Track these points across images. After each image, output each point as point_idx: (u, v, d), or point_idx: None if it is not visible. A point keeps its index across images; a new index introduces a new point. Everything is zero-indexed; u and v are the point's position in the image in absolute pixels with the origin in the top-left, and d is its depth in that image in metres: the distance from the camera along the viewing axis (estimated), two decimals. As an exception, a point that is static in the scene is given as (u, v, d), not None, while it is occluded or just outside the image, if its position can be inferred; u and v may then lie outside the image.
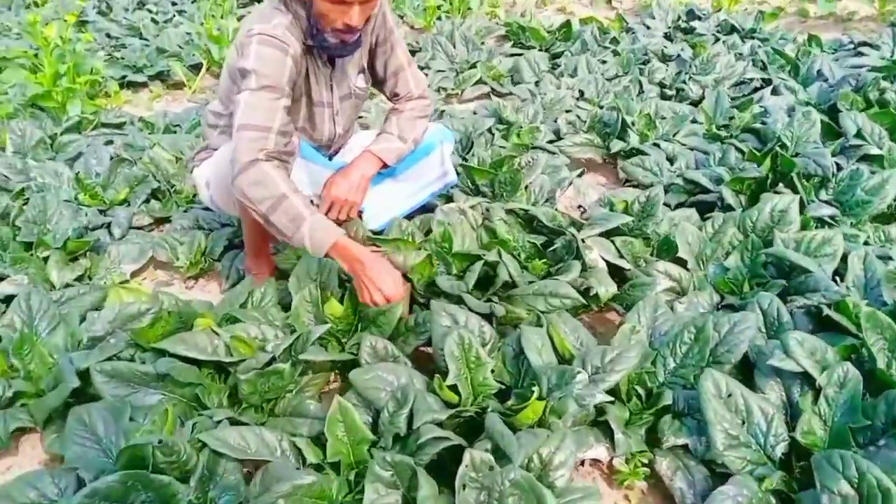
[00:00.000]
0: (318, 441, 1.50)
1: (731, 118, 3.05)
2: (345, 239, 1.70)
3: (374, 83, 2.16)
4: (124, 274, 2.35)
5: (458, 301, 1.80)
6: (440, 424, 1.40)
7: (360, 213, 2.13)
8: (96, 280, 2.32)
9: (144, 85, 4.50)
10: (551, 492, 1.24)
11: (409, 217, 2.32)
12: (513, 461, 1.25)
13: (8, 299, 2.09)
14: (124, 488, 1.29)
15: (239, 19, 5.66)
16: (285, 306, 1.97)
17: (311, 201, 1.84)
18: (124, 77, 4.39)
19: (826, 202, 2.27)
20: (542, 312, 1.76)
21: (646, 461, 1.53)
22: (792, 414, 1.51)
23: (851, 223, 2.22)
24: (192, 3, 6.57)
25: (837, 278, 1.89)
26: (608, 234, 2.07)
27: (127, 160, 2.99)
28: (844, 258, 1.92)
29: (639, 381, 1.64)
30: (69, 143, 3.26)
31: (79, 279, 2.30)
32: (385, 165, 2.06)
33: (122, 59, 4.68)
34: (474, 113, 3.49)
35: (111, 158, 3.02)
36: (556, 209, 2.25)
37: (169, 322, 1.73)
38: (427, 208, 2.44)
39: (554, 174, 2.59)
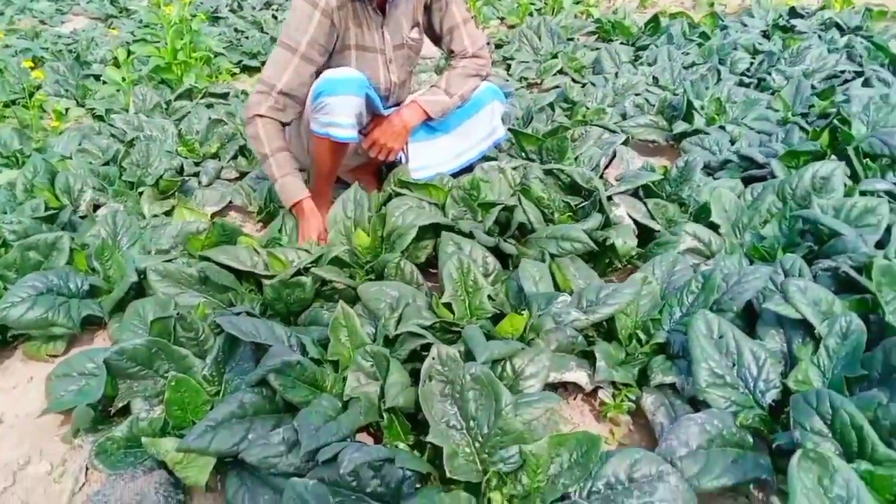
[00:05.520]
0: (324, 344, 1.64)
1: (811, 106, 2.89)
2: (305, 203, 2.10)
3: (432, 40, 2.32)
4: (206, 214, 2.65)
5: (470, 237, 1.89)
6: (426, 330, 1.50)
7: (402, 159, 2.28)
8: (180, 216, 2.64)
9: (258, 69, 4.95)
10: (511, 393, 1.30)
11: (455, 175, 2.43)
12: (476, 358, 1.32)
13: (103, 223, 2.44)
14: (148, 353, 1.50)
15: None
16: (326, 240, 2.16)
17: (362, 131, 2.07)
18: (240, 62, 4.86)
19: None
20: (553, 255, 1.80)
21: (633, 397, 1.55)
22: (791, 364, 1.47)
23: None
24: None
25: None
26: (643, 198, 2.06)
27: (223, 121, 3.33)
28: (889, 230, 1.80)
29: (643, 328, 1.65)
30: (180, 109, 3.67)
31: (166, 214, 2.62)
32: (429, 117, 2.20)
33: (241, 46, 5.18)
34: (546, 97, 3.54)
35: (209, 119, 3.38)
36: (600, 176, 2.26)
37: (214, 235, 1.95)
38: (469, 168, 2.55)
39: (606, 147, 2.60)
